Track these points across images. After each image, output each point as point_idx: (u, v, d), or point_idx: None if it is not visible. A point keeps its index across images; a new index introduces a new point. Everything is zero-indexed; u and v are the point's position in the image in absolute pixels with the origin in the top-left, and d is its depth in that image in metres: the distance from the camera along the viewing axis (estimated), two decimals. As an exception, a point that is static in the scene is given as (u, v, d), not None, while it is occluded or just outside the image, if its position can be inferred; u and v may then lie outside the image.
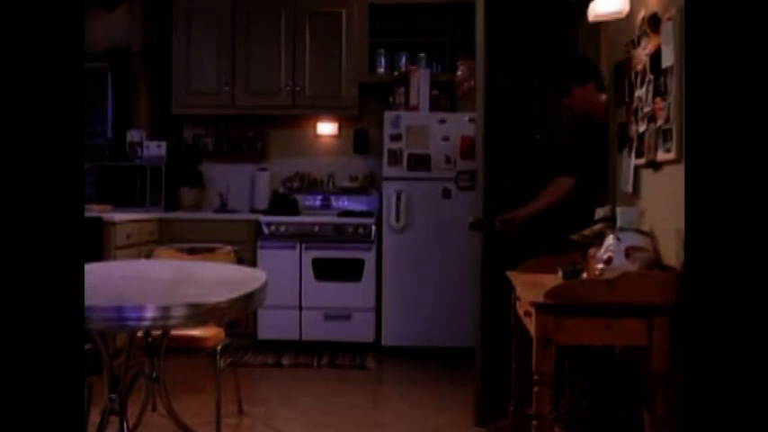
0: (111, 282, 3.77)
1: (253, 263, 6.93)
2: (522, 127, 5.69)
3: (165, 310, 3.07)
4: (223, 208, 7.94)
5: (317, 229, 7.20)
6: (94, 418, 4.13)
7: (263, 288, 3.57)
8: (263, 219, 7.32)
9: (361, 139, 8.08)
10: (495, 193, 5.33)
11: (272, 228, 7.25)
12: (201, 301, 3.20)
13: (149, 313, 3.05)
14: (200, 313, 3.17)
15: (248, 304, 3.43)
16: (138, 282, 3.65)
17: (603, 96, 5.13)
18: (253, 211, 7.81)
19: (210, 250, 5.17)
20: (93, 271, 4.20)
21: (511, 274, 4.41)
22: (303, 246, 7.18)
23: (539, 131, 5.77)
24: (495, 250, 5.37)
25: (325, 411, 5.60)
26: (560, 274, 3.98)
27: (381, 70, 7.76)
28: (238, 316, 3.45)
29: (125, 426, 3.79)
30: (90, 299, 3.20)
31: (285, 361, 6.77)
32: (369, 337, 7.19)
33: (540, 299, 3.57)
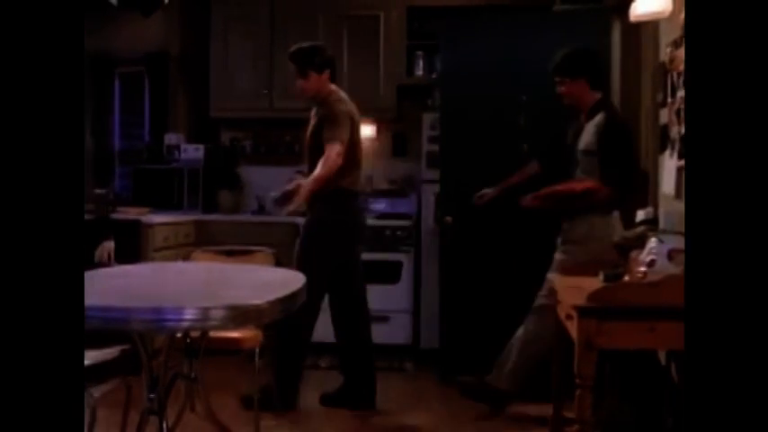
0: (150, 283, 3.76)
1: (291, 265, 6.92)
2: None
3: (205, 312, 3.05)
4: (261, 210, 7.95)
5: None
6: (133, 417, 4.15)
7: (302, 290, 3.55)
8: (302, 221, 7.29)
9: (399, 142, 8.07)
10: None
11: (311, 230, 7.23)
12: (241, 302, 3.19)
13: (189, 315, 3.03)
14: (239, 315, 3.14)
15: (288, 306, 3.40)
16: (177, 283, 3.64)
17: (597, 95, 5.23)
18: (291, 213, 7.79)
19: (248, 253, 5.16)
20: (132, 273, 4.22)
21: (552, 277, 4.37)
22: (341, 248, 7.16)
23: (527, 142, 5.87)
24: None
25: (362, 414, 5.59)
26: (601, 276, 3.95)
27: (420, 72, 7.74)
28: (277, 318, 3.42)
29: (164, 426, 3.79)
30: (129, 300, 3.23)
31: (323, 363, 6.77)
32: (407, 339, 7.16)
33: (581, 302, 3.54)
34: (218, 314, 3.06)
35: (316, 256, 5.52)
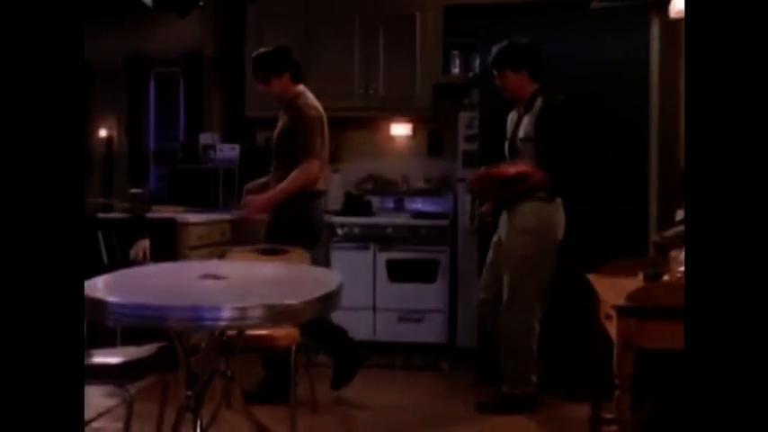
0: (187, 281, 3.76)
1: (326, 264, 6.92)
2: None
3: (242, 311, 3.06)
4: (296, 209, 7.95)
5: (390, 230, 7.18)
6: (170, 413, 4.15)
7: (339, 290, 3.53)
8: (337, 220, 7.32)
9: (435, 141, 8.05)
10: None
11: (346, 229, 7.25)
12: (278, 302, 3.19)
13: (226, 314, 3.04)
14: (276, 314, 3.15)
15: (324, 306, 3.39)
16: (214, 282, 3.63)
17: (536, 85, 5.49)
18: (326, 212, 7.79)
19: (284, 251, 5.16)
20: (168, 271, 4.22)
21: (591, 277, 4.34)
22: (377, 247, 7.17)
23: None
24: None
25: (398, 412, 5.58)
26: (641, 276, 3.91)
27: (456, 71, 7.71)
28: (314, 317, 3.41)
29: (199, 423, 3.79)
30: (166, 298, 3.22)
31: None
32: (442, 338, 7.14)
33: (621, 302, 3.51)
34: (255, 313, 3.07)
35: None
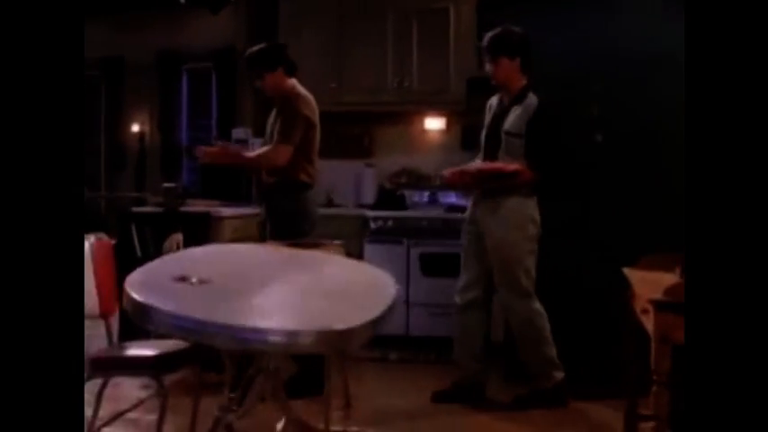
0: (234, 285, 3.54)
1: (359, 258, 6.92)
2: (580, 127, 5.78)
3: (292, 336, 2.92)
4: (329, 204, 7.95)
5: (424, 224, 7.16)
6: (204, 406, 4.16)
7: (395, 305, 3.37)
8: (370, 214, 7.31)
9: (468, 135, 8.00)
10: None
11: (379, 223, 7.24)
12: (331, 327, 2.99)
13: (274, 338, 2.90)
14: (329, 340, 3.00)
15: (379, 326, 3.19)
16: (262, 287, 3.49)
17: (525, 79, 5.53)
18: (359, 206, 7.80)
19: (317, 245, 5.15)
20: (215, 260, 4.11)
21: (627, 271, 4.30)
22: (410, 241, 7.15)
23: (600, 132, 5.75)
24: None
25: (431, 406, 5.56)
26: (679, 270, 3.86)
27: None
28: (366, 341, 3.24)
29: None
30: (211, 311, 3.01)
31: (392, 356, 6.75)
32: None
33: (659, 296, 3.47)
34: (305, 340, 2.94)
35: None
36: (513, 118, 5.45)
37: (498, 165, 5.46)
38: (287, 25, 7.92)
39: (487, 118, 5.70)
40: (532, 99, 5.46)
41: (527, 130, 5.39)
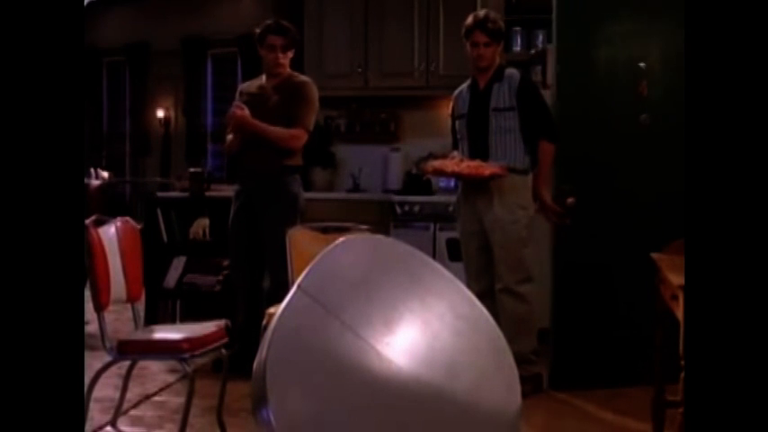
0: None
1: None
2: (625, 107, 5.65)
3: None
4: (355, 189, 7.93)
5: (451, 209, 7.12)
6: (230, 388, 4.16)
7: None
8: (397, 199, 7.29)
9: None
10: (581, 176, 5.51)
11: (406, 208, 7.22)
12: None
13: None
14: None
15: None
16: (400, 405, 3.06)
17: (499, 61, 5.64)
18: (385, 191, 7.78)
19: (343, 230, 5.13)
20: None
21: (656, 256, 4.26)
22: (437, 226, 7.12)
23: (646, 112, 5.63)
24: (567, 233, 5.55)
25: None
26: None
27: (517, 48, 7.59)
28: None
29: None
30: None
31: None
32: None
33: (689, 281, 3.43)
34: None
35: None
36: (497, 95, 5.48)
37: (474, 169, 5.40)
38: (312, 10, 7.89)
39: (461, 105, 5.68)
40: (512, 72, 5.53)
41: (519, 100, 5.42)
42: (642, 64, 5.48)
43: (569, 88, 5.71)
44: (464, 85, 5.78)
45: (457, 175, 5.60)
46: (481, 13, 5.65)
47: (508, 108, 5.43)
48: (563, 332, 5.70)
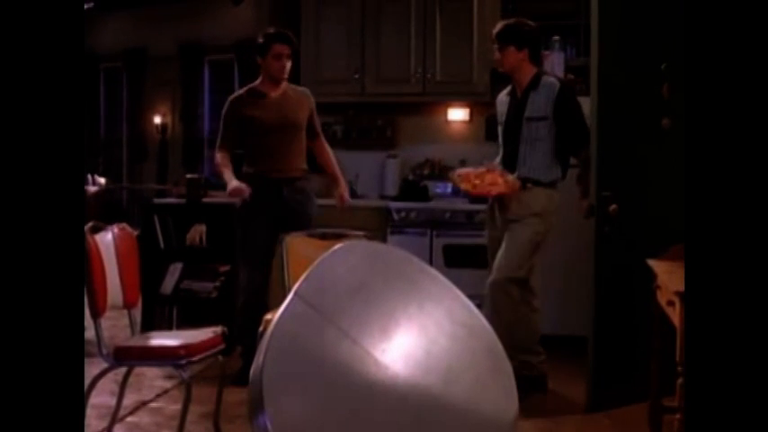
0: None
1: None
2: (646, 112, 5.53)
3: None
4: (352, 195, 7.92)
5: (448, 215, 7.13)
6: (226, 395, 4.15)
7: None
8: (393, 205, 7.28)
9: (492, 125, 7.93)
10: (612, 180, 5.28)
11: (402, 214, 7.21)
12: None
13: None
14: None
15: None
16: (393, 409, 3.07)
17: (535, 68, 5.57)
18: (382, 197, 7.77)
19: (340, 236, 5.14)
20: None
21: (652, 263, 4.26)
22: (434, 232, 7.12)
23: (667, 117, 5.56)
24: (608, 237, 5.30)
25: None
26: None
27: (513, 54, 7.62)
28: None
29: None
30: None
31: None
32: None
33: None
34: None
35: None
36: (533, 103, 5.46)
37: (483, 188, 5.53)
38: (309, 16, 7.89)
39: (501, 111, 5.76)
40: (550, 80, 5.50)
41: (555, 110, 5.40)
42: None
43: (610, 95, 5.39)
44: (504, 91, 5.83)
45: (467, 192, 5.78)
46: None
47: (542, 117, 5.44)
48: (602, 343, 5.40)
